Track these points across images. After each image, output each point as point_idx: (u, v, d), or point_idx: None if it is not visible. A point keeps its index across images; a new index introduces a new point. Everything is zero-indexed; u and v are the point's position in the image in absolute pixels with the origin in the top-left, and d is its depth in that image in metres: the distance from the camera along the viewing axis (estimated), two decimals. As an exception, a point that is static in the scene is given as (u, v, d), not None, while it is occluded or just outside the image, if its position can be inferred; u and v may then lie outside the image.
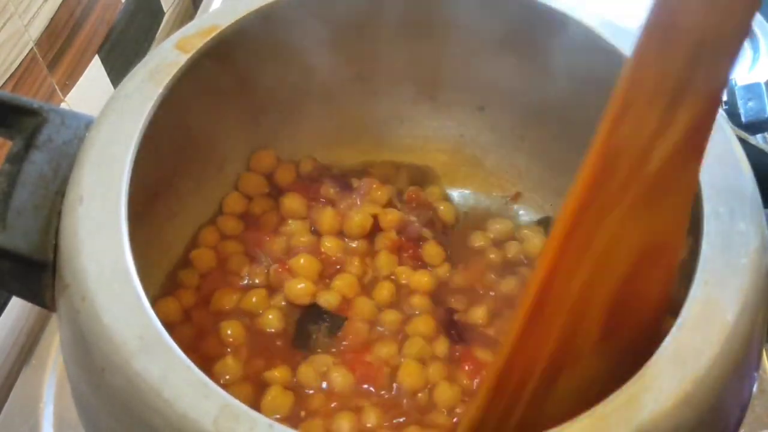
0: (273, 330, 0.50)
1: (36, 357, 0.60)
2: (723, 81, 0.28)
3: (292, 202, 0.55)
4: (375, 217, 0.55)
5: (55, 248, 0.37)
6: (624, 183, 0.28)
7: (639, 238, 0.30)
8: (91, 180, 0.37)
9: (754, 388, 0.39)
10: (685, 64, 0.27)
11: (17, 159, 0.38)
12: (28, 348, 0.61)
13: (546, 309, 0.29)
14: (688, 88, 0.27)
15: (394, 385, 0.48)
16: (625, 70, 0.28)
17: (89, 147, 0.39)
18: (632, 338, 0.32)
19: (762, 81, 0.67)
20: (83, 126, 0.41)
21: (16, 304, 0.61)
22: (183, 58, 0.43)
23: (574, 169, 0.29)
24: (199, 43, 0.44)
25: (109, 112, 0.40)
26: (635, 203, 0.29)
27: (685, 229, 0.32)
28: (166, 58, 0.43)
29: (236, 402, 0.30)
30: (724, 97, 0.66)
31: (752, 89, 0.64)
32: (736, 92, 0.65)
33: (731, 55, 0.27)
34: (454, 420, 0.46)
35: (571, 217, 0.28)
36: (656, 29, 0.27)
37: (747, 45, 0.81)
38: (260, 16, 0.48)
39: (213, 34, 0.45)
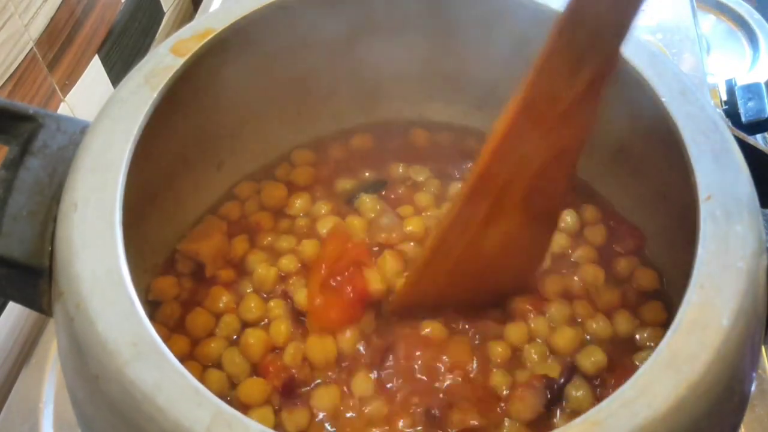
0: None
1: (36, 357, 0.60)
2: (615, 50, 0.39)
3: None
4: None
5: (51, 254, 0.37)
6: (541, 115, 0.40)
7: (550, 146, 0.42)
8: (86, 186, 0.37)
9: (753, 388, 0.38)
10: (588, 39, 0.38)
11: (13, 165, 0.39)
12: (28, 348, 0.61)
13: (484, 185, 0.42)
14: (589, 55, 0.38)
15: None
16: (547, 39, 0.38)
17: (84, 152, 0.39)
18: (541, 205, 0.45)
19: (762, 81, 0.66)
20: (79, 131, 0.41)
21: (16, 305, 0.61)
22: (178, 62, 0.43)
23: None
24: (194, 47, 0.44)
25: (105, 117, 0.40)
26: (550, 127, 0.41)
27: (584, 140, 0.42)
28: (162, 62, 0.43)
29: (229, 409, 0.30)
30: (724, 97, 0.66)
31: (752, 89, 0.64)
32: (736, 92, 0.64)
33: (621, 35, 0.38)
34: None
35: (504, 129, 0.40)
36: (571, 14, 0.37)
37: (747, 45, 0.81)
38: (257, 17, 0.48)
39: (208, 38, 0.45)
